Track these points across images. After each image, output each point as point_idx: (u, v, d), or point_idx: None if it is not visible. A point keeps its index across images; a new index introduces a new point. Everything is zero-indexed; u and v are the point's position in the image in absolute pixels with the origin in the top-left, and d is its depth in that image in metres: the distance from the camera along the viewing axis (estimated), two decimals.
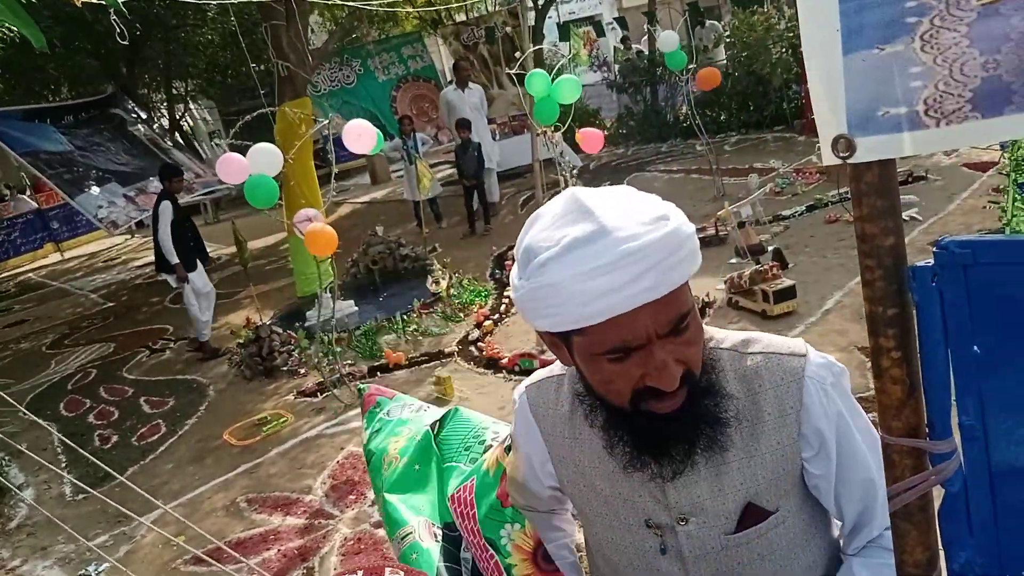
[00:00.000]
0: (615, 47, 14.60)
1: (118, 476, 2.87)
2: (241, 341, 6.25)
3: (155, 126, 11.67)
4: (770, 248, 5.77)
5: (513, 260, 1.03)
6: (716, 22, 12.52)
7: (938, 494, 0.72)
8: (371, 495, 4.01)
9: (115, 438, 5.52)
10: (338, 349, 5.73)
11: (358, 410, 5.02)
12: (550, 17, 12.85)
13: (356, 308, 6.72)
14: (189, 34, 13.04)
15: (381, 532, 3.65)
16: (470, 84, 9.84)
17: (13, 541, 4.36)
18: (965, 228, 5.56)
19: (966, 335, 0.66)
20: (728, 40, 11.02)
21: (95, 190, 8.55)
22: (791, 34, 9.90)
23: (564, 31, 12.23)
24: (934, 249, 0.66)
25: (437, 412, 1.63)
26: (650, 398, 0.97)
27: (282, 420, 5.17)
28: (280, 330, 6.29)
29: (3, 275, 13.68)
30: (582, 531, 1.31)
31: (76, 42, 10.88)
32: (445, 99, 9.84)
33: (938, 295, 0.66)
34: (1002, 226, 3.57)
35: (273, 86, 7.50)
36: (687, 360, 0.97)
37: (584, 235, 0.90)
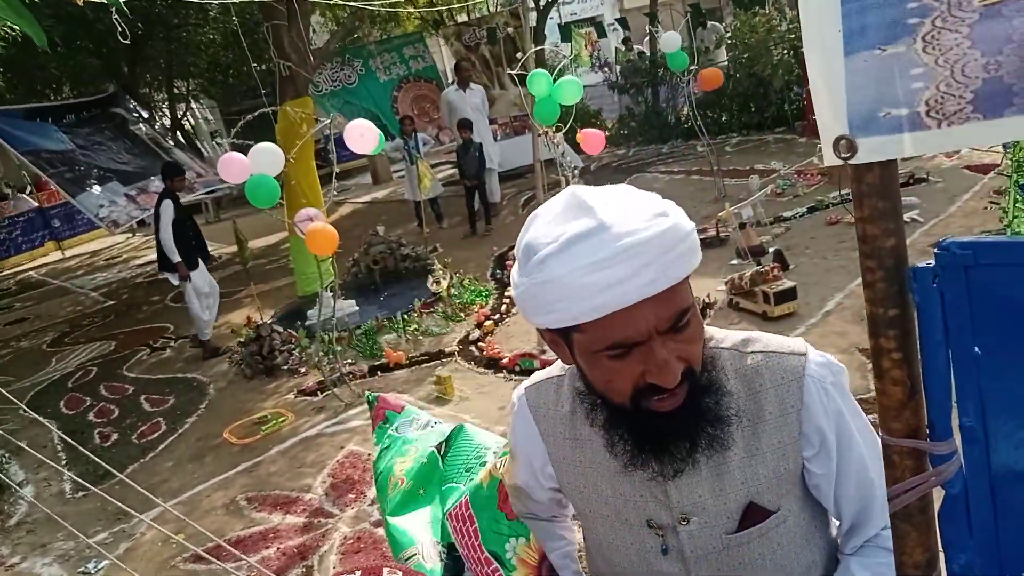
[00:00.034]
0: (616, 48, 14.60)
1: (118, 474, 2.87)
2: (242, 340, 6.26)
3: (156, 125, 11.66)
4: (771, 249, 5.77)
5: (514, 260, 1.03)
6: (717, 23, 12.52)
7: (938, 496, 0.72)
8: (371, 494, 4.01)
9: (115, 436, 5.52)
10: (339, 348, 5.73)
11: (358, 409, 5.03)
12: (552, 18, 12.87)
13: (357, 307, 6.72)
14: (191, 33, 13.05)
15: (380, 531, 3.65)
16: (471, 84, 9.84)
17: (13, 538, 4.36)
18: (966, 230, 5.56)
19: (967, 336, 0.66)
20: (729, 41, 11.02)
21: (96, 189, 8.56)
22: (792, 36, 9.89)
23: (566, 32, 12.22)
24: (935, 250, 0.66)
25: (444, 428, 1.62)
26: (651, 396, 0.97)
27: (281, 419, 5.17)
28: (281, 329, 6.29)
29: (4, 273, 13.69)
30: (581, 533, 1.31)
31: (78, 41, 10.89)
32: (446, 99, 9.84)
33: (939, 296, 0.66)
34: (1003, 227, 3.57)
35: (274, 86, 7.50)
36: (688, 357, 0.97)
37: (584, 230, 0.90)
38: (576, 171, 6.65)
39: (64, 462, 5.14)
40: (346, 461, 4.41)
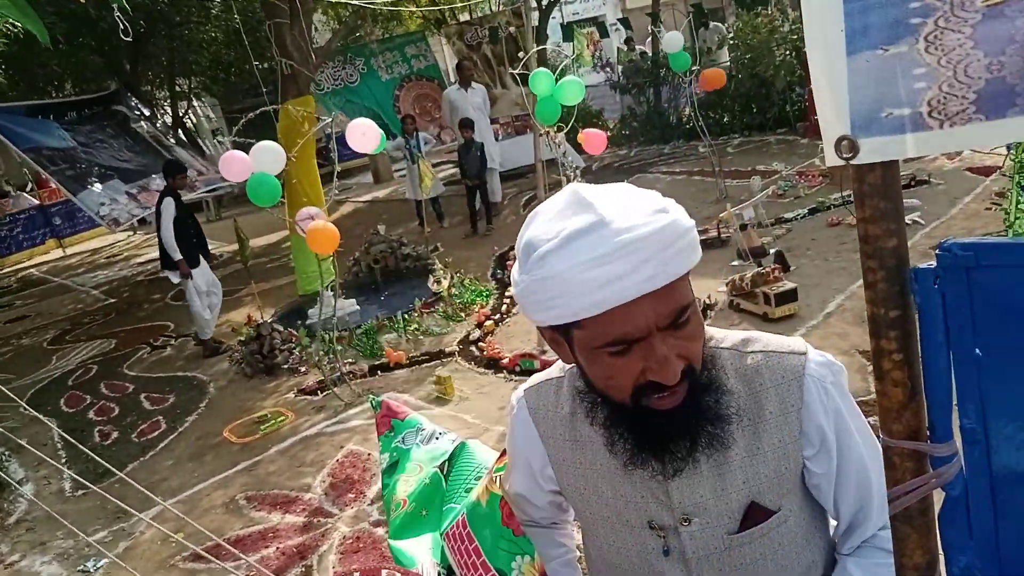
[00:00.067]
0: (618, 48, 14.59)
1: (118, 472, 2.87)
2: (242, 338, 6.26)
3: (158, 123, 11.67)
4: (772, 251, 5.77)
5: (515, 260, 1.03)
6: (720, 24, 12.52)
7: (938, 497, 0.72)
8: (370, 494, 4.01)
9: (115, 434, 5.53)
10: (339, 347, 5.73)
11: (358, 408, 5.03)
12: (554, 17, 12.86)
13: (357, 307, 6.73)
14: (193, 31, 13.05)
15: (380, 531, 3.65)
16: (473, 84, 9.84)
17: (12, 536, 4.36)
18: (967, 232, 5.55)
19: (968, 338, 0.66)
20: (732, 42, 11.01)
21: (97, 187, 8.55)
22: (795, 36, 9.89)
23: (568, 32, 12.20)
24: (936, 251, 0.65)
25: (447, 445, 1.61)
26: (651, 394, 0.97)
27: (281, 419, 5.17)
28: (281, 328, 6.30)
29: (5, 270, 13.71)
30: (581, 535, 1.30)
31: (80, 38, 10.89)
32: (448, 99, 9.84)
33: (940, 297, 0.66)
34: (1005, 228, 3.57)
35: (276, 84, 7.50)
36: (688, 355, 0.97)
37: (583, 226, 0.91)
38: (578, 171, 6.65)
39: (64, 460, 5.14)
40: (346, 461, 4.41)
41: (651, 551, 1.13)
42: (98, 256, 13.70)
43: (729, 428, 1.04)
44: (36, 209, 14.40)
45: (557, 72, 5.12)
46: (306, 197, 6.82)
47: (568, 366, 1.18)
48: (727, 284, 5.30)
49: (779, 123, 10.55)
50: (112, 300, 9.77)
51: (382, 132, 5.22)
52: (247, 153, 4.66)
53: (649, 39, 12.36)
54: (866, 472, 1.08)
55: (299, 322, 6.57)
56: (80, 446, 2.88)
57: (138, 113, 10.87)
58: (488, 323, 6.00)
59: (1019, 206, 3.20)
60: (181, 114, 15.26)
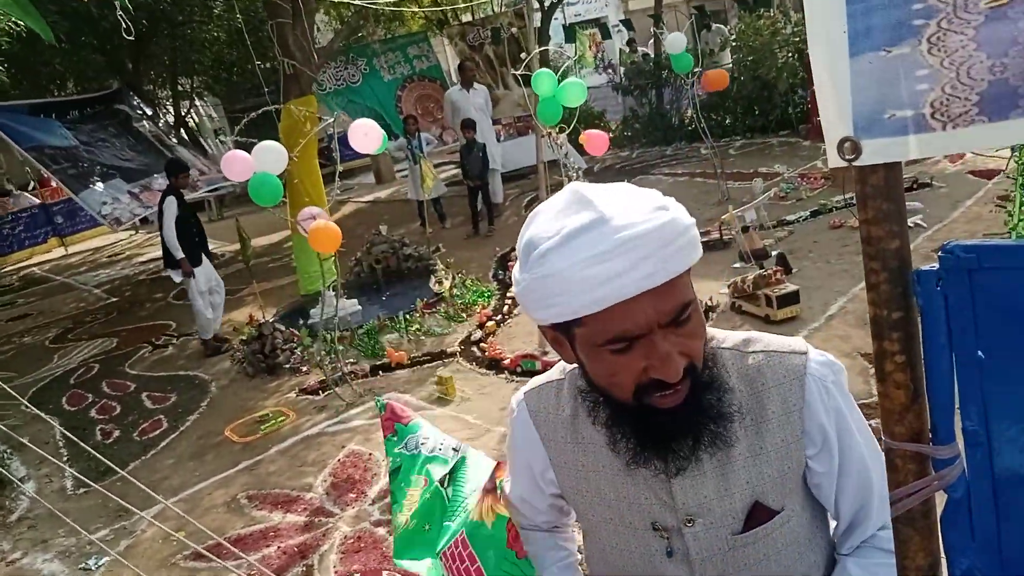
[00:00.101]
0: (621, 49, 14.59)
1: (119, 471, 2.87)
2: (244, 338, 6.26)
3: (160, 122, 11.68)
4: (774, 253, 5.76)
5: (516, 260, 1.04)
6: (722, 26, 12.51)
7: (940, 500, 0.72)
8: (371, 494, 4.02)
9: (117, 433, 5.53)
10: (340, 347, 5.74)
11: (359, 408, 5.03)
12: (556, 19, 12.84)
13: (359, 307, 6.73)
14: (195, 31, 13.05)
15: (381, 531, 3.65)
16: (475, 84, 9.85)
17: (14, 533, 4.37)
18: (970, 235, 5.54)
19: (970, 340, 0.66)
20: (734, 44, 11.01)
21: (99, 186, 8.57)
22: (797, 39, 9.88)
23: (570, 33, 12.20)
24: (939, 253, 0.65)
25: (449, 451, 1.61)
26: (653, 392, 0.97)
27: (282, 418, 5.18)
28: (283, 328, 6.30)
29: (7, 269, 13.72)
30: (582, 537, 1.30)
31: (82, 37, 10.89)
32: (450, 99, 9.84)
33: (943, 299, 0.66)
34: (1008, 230, 3.56)
35: (278, 84, 7.51)
36: (690, 352, 0.97)
37: (584, 224, 0.91)
38: (580, 172, 6.65)
39: (66, 458, 5.15)
40: (347, 460, 4.41)
41: (654, 553, 1.12)
42: (100, 255, 13.71)
43: (732, 426, 1.04)
44: (38, 208, 14.42)
45: (559, 73, 5.12)
46: (308, 197, 6.82)
47: (569, 368, 1.19)
48: (729, 286, 5.30)
49: (781, 125, 10.55)
50: (114, 299, 9.78)
51: (384, 133, 5.22)
52: (249, 153, 4.67)
53: (651, 41, 12.36)
54: (866, 471, 1.08)
55: (301, 322, 6.57)
56: (82, 444, 2.88)
57: (140, 112, 10.89)
58: (490, 324, 6.00)
59: (1023, 208, 3.20)
60: (183, 113, 15.27)
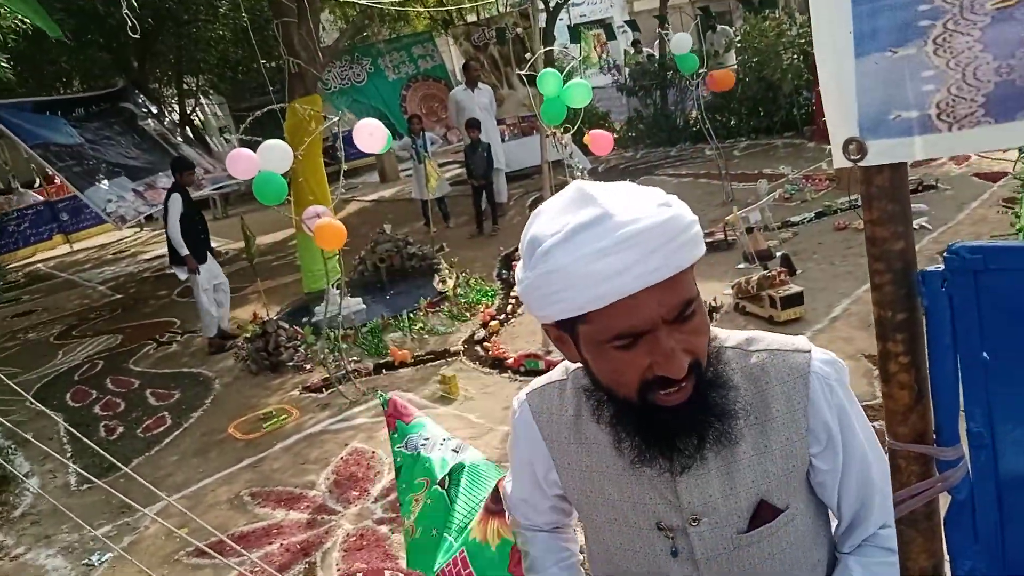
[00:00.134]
0: (625, 50, 14.58)
1: (123, 467, 2.89)
2: (248, 336, 6.27)
3: (165, 120, 11.71)
4: (778, 254, 5.76)
5: (519, 259, 1.04)
6: (727, 27, 12.50)
7: (944, 501, 0.72)
8: (374, 492, 4.02)
9: (121, 429, 5.54)
10: (344, 346, 5.74)
11: (363, 407, 5.04)
12: (561, 19, 12.84)
13: (363, 305, 6.74)
14: (201, 29, 13.07)
15: (383, 529, 3.66)
16: (480, 84, 9.85)
17: (18, 529, 4.38)
18: (975, 237, 5.52)
19: (975, 341, 0.66)
20: (739, 45, 11.00)
21: (104, 184, 8.58)
22: (802, 40, 9.87)
23: (575, 33, 12.18)
24: (944, 254, 0.65)
25: (449, 451, 1.61)
26: (658, 389, 0.97)
27: (284, 416, 5.18)
28: (287, 325, 6.31)
29: (12, 265, 13.76)
30: (584, 537, 1.29)
31: (88, 35, 10.91)
32: (454, 99, 9.85)
33: (948, 301, 0.66)
34: (1015, 231, 3.55)
35: (283, 83, 7.52)
36: (694, 349, 0.97)
37: (587, 220, 0.91)
38: (584, 172, 6.65)
39: (69, 454, 5.16)
40: (350, 458, 4.42)
41: (659, 552, 1.12)
42: (105, 252, 13.75)
43: (736, 424, 1.04)
44: (43, 205, 14.47)
45: (564, 74, 5.12)
46: (312, 196, 6.81)
47: (572, 368, 1.18)
48: (733, 287, 5.30)
49: (786, 127, 10.53)
50: (118, 296, 9.81)
51: (388, 133, 5.23)
52: (254, 151, 4.68)
53: (656, 41, 12.35)
54: (868, 469, 1.08)
55: (305, 320, 6.59)
56: (86, 440, 2.89)
57: (145, 110, 10.91)
58: (493, 323, 6.00)
59: None
60: (188, 112, 15.29)
